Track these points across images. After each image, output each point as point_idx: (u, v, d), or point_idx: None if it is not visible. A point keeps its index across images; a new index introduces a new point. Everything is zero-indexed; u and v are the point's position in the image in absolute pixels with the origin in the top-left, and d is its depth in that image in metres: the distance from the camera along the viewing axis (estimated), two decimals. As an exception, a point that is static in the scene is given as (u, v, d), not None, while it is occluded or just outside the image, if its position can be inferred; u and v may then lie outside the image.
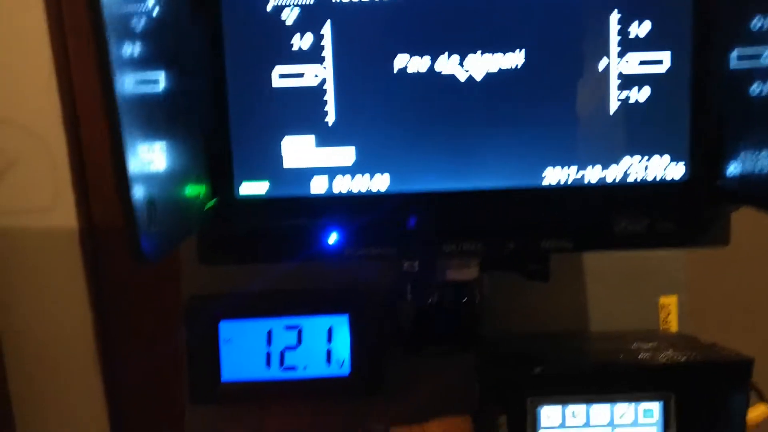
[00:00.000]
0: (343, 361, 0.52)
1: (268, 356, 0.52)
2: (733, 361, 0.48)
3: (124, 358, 1.45)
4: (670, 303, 0.57)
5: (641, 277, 0.57)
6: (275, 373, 0.52)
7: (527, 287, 0.50)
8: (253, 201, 0.42)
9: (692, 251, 0.50)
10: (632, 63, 0.41)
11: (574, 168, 0.42)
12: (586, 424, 0.51)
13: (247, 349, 0.51)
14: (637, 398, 0.51)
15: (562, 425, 0.51)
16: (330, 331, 0.52)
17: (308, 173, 0.42)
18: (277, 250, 0.44)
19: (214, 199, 0.41)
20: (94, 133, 1.34)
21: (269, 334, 0.52)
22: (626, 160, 0.43)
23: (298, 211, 0.43)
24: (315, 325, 0.52)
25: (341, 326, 0.52)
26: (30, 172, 1.37)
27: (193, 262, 0.44)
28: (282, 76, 0.41)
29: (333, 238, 0.43)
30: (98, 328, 1.42)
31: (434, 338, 0.54)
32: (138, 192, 0.28)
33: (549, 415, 0.51)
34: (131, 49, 0.29)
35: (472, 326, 0.53)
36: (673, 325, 0.57)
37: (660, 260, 0.56)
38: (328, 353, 0.52)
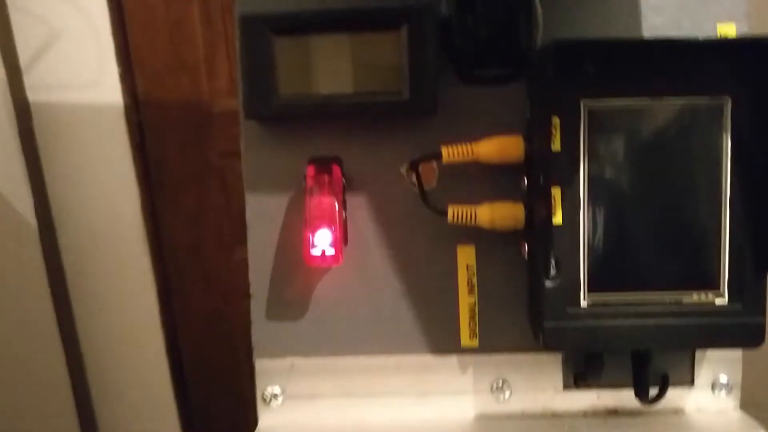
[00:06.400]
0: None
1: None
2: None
3: (172, 234, 1.49)
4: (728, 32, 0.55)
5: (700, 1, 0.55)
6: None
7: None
8: None
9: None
10: None
11: None
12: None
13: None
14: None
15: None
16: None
17: None
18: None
19: None
20: (136, 5, 1.36)
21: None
22: None
23: None
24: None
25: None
26: (74, 46, 1.39)
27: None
28: None
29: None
30: (145, 203, 1.45)
31: (487, 60, 0.54)
32: None
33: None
34: None
35: (527, 45, 0.52)
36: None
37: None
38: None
